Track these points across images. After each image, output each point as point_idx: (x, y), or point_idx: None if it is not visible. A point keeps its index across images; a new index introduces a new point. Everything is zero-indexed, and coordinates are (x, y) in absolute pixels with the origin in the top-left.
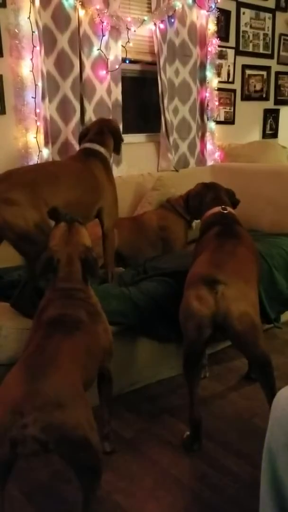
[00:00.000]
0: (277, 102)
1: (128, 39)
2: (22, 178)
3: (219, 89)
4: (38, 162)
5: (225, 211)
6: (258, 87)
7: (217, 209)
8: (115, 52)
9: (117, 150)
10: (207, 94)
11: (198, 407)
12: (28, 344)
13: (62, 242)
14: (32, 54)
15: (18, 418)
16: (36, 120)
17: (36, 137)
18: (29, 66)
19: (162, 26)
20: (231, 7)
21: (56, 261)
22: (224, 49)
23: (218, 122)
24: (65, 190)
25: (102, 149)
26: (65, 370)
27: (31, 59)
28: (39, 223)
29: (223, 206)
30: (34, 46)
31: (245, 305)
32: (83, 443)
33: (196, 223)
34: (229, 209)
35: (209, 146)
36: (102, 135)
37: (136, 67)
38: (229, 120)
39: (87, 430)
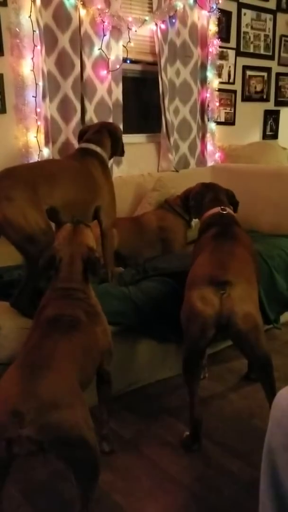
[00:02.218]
0: (277, 103)
1: (129, 39)
2: (22, 176)
3: (219, 90)
4: (36, 161)
5: (224, 212)
6: (259, 88)
7: (216, 209)
8: (116, 52)
9: (115, 151)
10: (208, 95)
11: (199, 408)
12: (26, 343)
13: (66, 242)
14: (33, 53)
15: (14, 418)
16: (36, 120)
17: (36, 137)
18: (30, 65)
19: (163, 26)
20: (232, 8)
21: (58, 260)
22: (225, 50)
23: (218, 123)
24: (63, 188)
25: (98, 149)
26: (61, 370)
27: (32, 58)
28: (39, 221)
29: (222, 207)
30: (35, 45)
31: (249, 306)
32: (80, 442)
33: (195, 222)
34: (228, 210)
35: (209, 147)
36: (100, 135)
37: (137, 67)
38: (229, 121)
39: (83, 429)
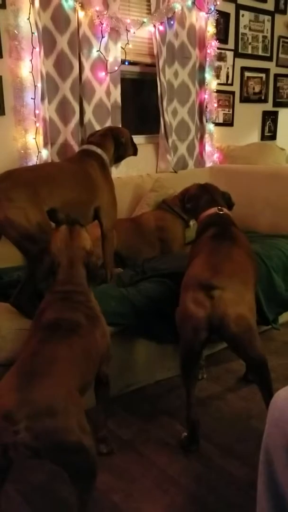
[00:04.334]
0: (275, 104)
1: (128, 40)
2: (23, 178)
3: (218, 91)
4: (37, 163)
5: (221, 212)
6: (257, 89)
7: (213, 210)
8: (115, 54)
9: (121, 155)
10: (206, 96)
11: (196, 408)
12: (24, 347)
13: (63, 245)
14: (32, 55)
15: (10, 424)
16: (35, 121)
17: (35, 138)
18: (29, 67)
19: (161, 28)
20: (230, 9)
21: (57, 264)
22: (223, 51)
23: (217, 124)
24: (62, 190)
25: (98, 150)
26: (59, 376)
27: (31, 60)
28: (40, 221)
29: (219, 207)
30: (33, 47)
31: (242, 308)
32: (76, 449)
33: (194, 222)
34: (225, 210)
35: (207, 148)
36: (103, 138)
37: (136, 68)
38: (228, 122)
39: (79, 435)
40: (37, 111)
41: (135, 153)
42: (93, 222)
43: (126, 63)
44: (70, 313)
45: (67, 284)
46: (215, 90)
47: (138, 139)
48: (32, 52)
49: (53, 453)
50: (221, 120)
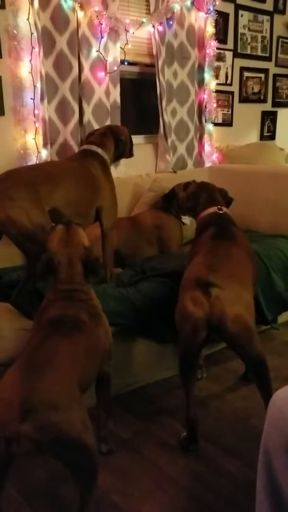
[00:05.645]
0: (274, 104)
1: (127, 41)
2: (24, 177)
3: (217, 91)
4: (37, 163)
5: (221, 212)
6: (256, 89)
7: (213, 209)
8: (114, 54)
9: (120, 153)
10: (205, 96)
11: (195, 408)
12: (27, 344)
13: (62, 243)
14: (31, 55)
15: (14, 417)
16: (35, 121)
17: (34, 138)
18: (28, 67)
19: (160, 28)
20: (229, 9)
21: (57, 263)
22: (222, 51)
23: (216, 124)
24: (63, 189)
25: (99, 150)
26: (62, 372)
27: (30, 61)
28: (41, 221)
29: (219, 207)
30: (33, 48)
31: (240, 307)
32: (77, 444)
33: (186, 218)
34: (225, 209)
35: (207, 148)
36: (103, 137)
37: (135, 69)
38: (227, 122)
39: (81, 431)
40: (36, 111)
41: (130, 153)
42: (94, 222)
43: (125, 63)
44: (73, 311)
45: (69, 282)
46: (214, 90)
47: (137, 139)
48: (31, 52)
49: (54, 448)
50: (220, 120)
